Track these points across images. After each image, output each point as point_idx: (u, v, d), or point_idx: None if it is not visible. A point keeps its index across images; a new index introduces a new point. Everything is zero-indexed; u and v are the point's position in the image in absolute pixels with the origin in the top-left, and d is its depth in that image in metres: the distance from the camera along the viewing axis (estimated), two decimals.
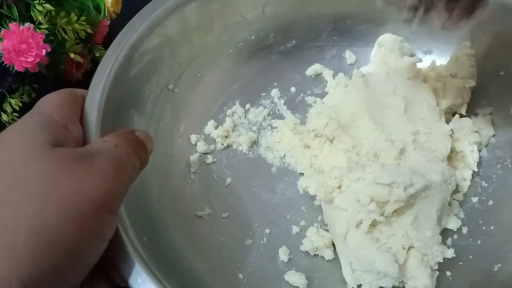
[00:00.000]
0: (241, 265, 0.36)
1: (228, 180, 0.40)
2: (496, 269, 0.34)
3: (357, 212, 0.33)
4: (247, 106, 0.44)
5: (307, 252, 0.36)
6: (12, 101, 0.39)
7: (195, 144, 0.41)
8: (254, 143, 0.42)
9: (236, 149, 0.42)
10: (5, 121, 0.40)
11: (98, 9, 0.43)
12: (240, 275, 0.35)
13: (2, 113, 0.39)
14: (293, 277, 0.35)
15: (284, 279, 0.35)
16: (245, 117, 0.43)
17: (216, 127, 0.42)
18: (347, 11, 0.45)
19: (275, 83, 0.45)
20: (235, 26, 0.43)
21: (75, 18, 0.40)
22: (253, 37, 0.44)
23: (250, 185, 0.40)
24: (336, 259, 0.36)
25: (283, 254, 0.36)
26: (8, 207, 0.23)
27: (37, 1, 0.37)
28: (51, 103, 0.30)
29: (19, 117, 0.40)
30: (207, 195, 0.39)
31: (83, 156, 0.25)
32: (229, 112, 0.43)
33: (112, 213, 0.26)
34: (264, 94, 0.44)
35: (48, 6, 0.37)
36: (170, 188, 0.38)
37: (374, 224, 0.34)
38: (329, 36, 0.46)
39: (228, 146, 0.42)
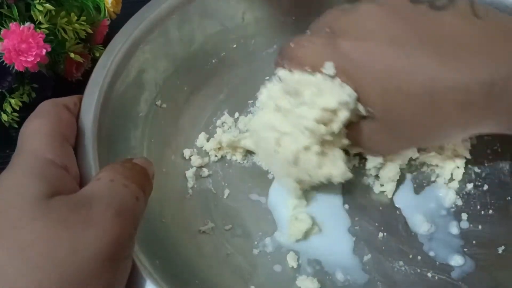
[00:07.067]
0: (251, 276, 0.35)
1: (227, 191, 0.40)
2: (500, 251, 0.35)
3: (305, 137, 0.33)
4: (236, 115, 0.43)
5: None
6: (12, 101, 0.39)
7: (189, 159, 0.40)
8: (248, 152, 0.42)
9: (230, 159, 0.41)
10: (5, 120, 0.40)
11: (98, 9, 0.42)
12: (252, 287, 0.35)
13: (2, 113, 0.39)
14: (304, 282, 0.35)
15: (296, 285, 0.35)
16: (235, 126, 0.43)
17: (208, 140, 0.42)
18: None
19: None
20: (216, 35, 0.43)
21: (75, 18, 0.39)
22: (234, 45, 0.44)
23: (249, 194, 0.40)
24: (344, 260, 0.36)
25: (291, 260, 0.36)
26: (6, 277, 0.21)
27: (37, 1, 0.36)
28: (39, 136, 0.28)
29: (19, 117, 0.40)
30: (208, 209, 0.39)
31: (80, 205, 0.23)
32: (218, 122, 0.43)
33: (121, 260, 0.24)
34: (251, 101, 0.44)
35: (48, 5, 0.37)
36: (170, 206, 0.37)
37: (323, 143, 0.34)
38: None
39: (222, 157, 0.41)
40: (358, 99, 0.31)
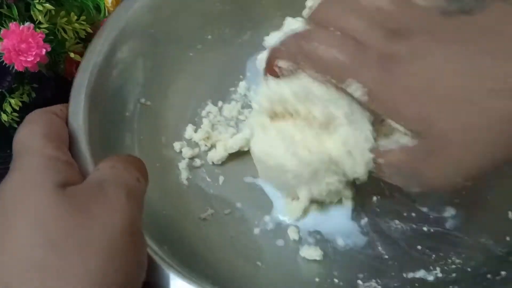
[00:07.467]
0: (256, 254, 0.36)
1: (221, 178, 0.41)
2: (489, 198, 0.37)
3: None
4: (220, 103, 0.44)
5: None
6: (12, 101, 0.39)
7: (180, 151, 0.41)
8: None
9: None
10: (5, 120, 0.39)
11: (98, 8, 0.42)
12: (259, 263, 0.36)
13: (2, 113, 0.39)
14: (308, 251, 0.36)
15: (300, 255, 0.36)
16: (220, 114, 0.44)
17: (195, 131, 0.42)
18: None
19: (241, 76, 0.45)
20: (192, 28, 0.43)
21: (75, 17, 0.40)
22: (209, 37, 0.45)
23: (243, 178, 0.41)
24: (343, 226, 0.37)
25: (292, 234, 0.37)
26: (52, 271, 0.21)
27: (37, 1, 0.37)
28: (36, 137, 0.28)
29: (18, 117, 0.39)
30: (205, 197, 0.39)
31: (94, 191, 0.25)
32: (203, 113, 0.44)
33: (141, 236, 0.25)
34: (233, 88, 0.45)
35: (48, 5, 0.37)
36: (169, 199, 0.38)
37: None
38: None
39: (212, 146, 0.42)
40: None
